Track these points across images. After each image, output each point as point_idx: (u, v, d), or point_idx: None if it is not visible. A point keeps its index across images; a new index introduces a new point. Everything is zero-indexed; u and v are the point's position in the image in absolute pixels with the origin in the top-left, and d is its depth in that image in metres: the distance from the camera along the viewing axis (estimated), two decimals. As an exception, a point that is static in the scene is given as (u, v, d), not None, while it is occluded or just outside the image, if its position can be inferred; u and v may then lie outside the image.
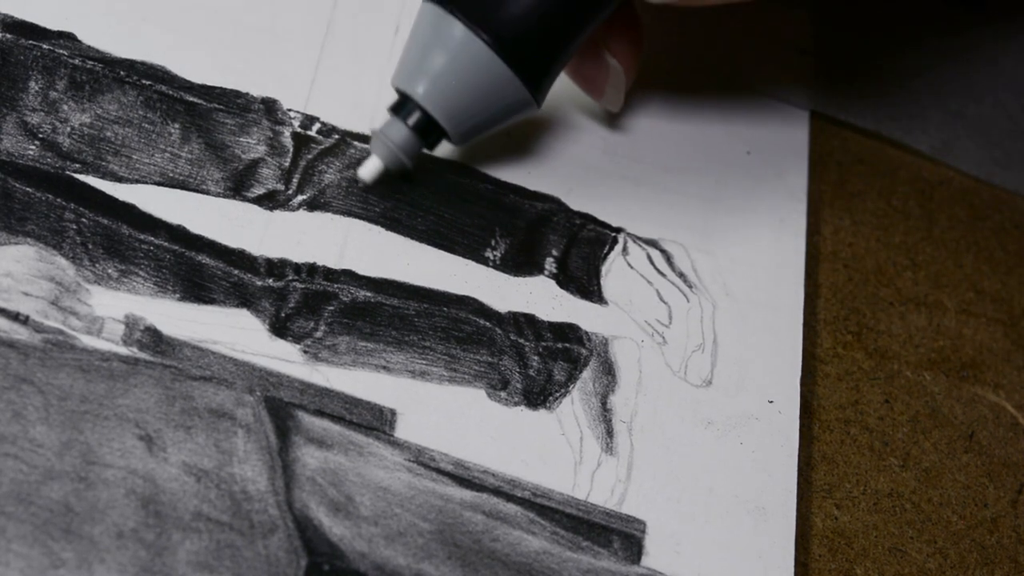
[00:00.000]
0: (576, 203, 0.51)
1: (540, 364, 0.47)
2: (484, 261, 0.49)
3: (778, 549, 0.46)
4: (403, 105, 0.47)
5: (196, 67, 0.49)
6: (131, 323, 0.44)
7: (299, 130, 0.49)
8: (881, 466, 0.49)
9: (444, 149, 0.50)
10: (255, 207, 0.48)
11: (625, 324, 0.49)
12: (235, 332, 0.45)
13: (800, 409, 0.49)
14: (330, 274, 0.47)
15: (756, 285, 0.51)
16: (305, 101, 0.50)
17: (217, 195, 0.47)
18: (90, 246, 0.45)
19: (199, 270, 0.46)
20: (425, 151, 0.48)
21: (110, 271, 0.45)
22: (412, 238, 0.48)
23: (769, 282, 0.51)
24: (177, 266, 0.46)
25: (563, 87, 0.52)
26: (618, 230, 0.51)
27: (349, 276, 0.47)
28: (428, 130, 0.47)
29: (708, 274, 0.50)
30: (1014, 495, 0.50)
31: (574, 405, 0.47)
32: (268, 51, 0.51)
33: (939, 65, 0.59)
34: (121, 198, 0.46)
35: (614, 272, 0.50)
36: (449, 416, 0.46)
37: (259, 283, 0.46)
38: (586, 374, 0.47)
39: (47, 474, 0.41)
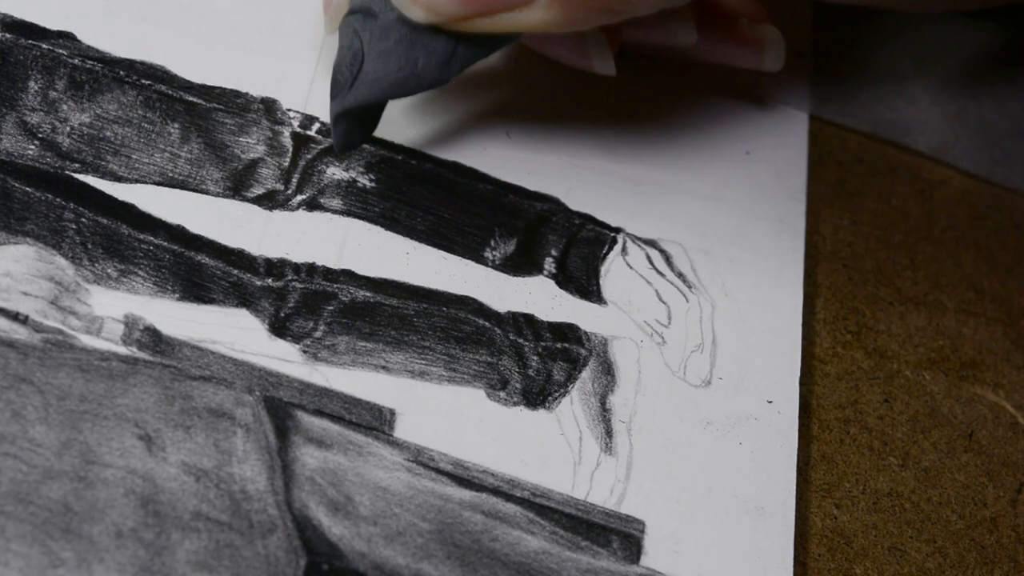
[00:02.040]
0: (575, 203, 0.51)
1: (539, 364, 0.47)
2: (483, 261, 0.49)
3: (777, 549, 0.46)
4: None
5: (196, 67, 0.49)
6: (130, 323, 0.44)
7: (298, 130, 0.49)
8: (880, 466, 0.49)
9: (444, 150, 0.50)
10: (254, 207, 0.48)
11: (624, 324, 0.49)
12: (234, 332, 0.45)
13: (799, 409, 0.49)
14: (329, 274, 0.47)
15: (755, 285, 0.51)
16: (305, 101, 0.50)
17: (216, 195, 0.47)
18: (89, 246, 0.45)
19: (198, 270, 0.46)
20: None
21: (109, 271, 0.45)
22: (411, 238, 0.48)
23: (768, 282, 0.51)
24: (176, 266, 0.46)
25: (563, 87, 0.52)
26: (617, 230, 0.51)
27: (348, 276, 0.47)
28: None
29: (707, 274, 0.50)
30: (1013, 495, 0.50)
31: (573, 405, 0.47)
32: (268, 51, 0.51)
33: (938, 65, 0.59)
34: (120, 198, 0.46)
35: (613, 272, 0.50)
36: (448, 416, 0.46)
37: (258, 283, 0.46)
38: (585, 374, 0.47)
39: (46, 474, 0.41)
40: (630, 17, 0.46)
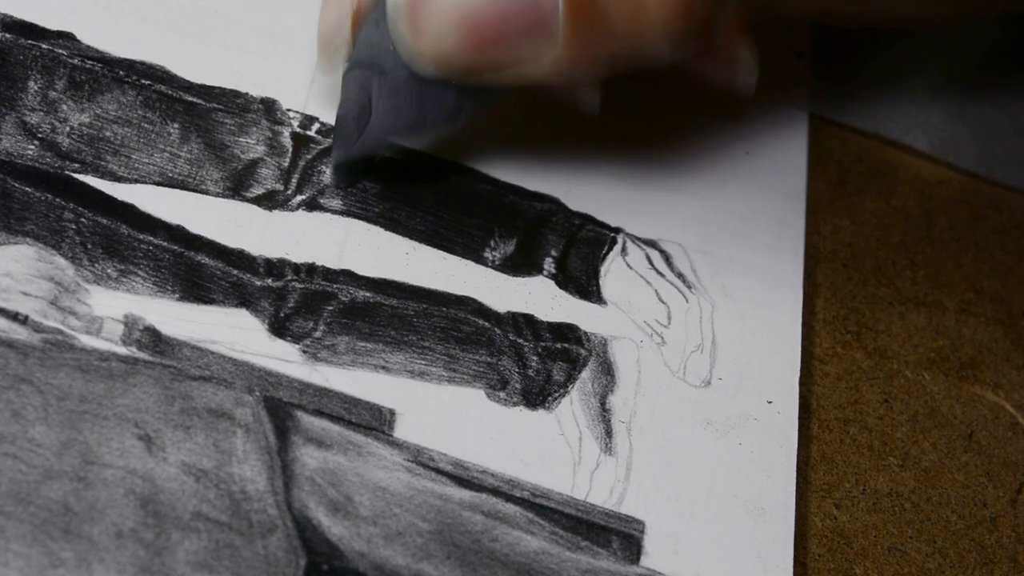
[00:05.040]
0: (575, 203, 0.51)
1: (539, 364, 0.47)
2: (483, 261, 0.49)
3: (777, 549, 0.46)
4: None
5: (196, 67, 0.49)
6: (130, 323, 0.44)
7: (298, 130, 0.49)
8: (880, 466, 0.49)
9: (444, 150, 0.50)
10: (254, 207, 0.48)
11: (624, 324, 0.49)
12: (234, 332, 0.45)
13: (799, 409, 0.49)
14: (329, 274, 0.47)
15: (755, 285, 0.51)
16: (304, 101, 0.50)
17: (216, 195, 0.47)
18: (89, 246, 0.45)
19: (198, 270, 0.46)
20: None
21: (109, 271, 0.45)
22: (411, 238, 0.48)
23: (768, 282, 0.51)
24: (176, 266, 0.46)
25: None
26: (617, 230, 0.51)
27: (348, 276, 0.47)
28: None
29: (707, 274, 0.50)
30: (1013, 495, 0.50)
31: (573, 405, 0.47)
32: (268, 51, 0.51)
33: (939, 64, 0.59)
34: (120, 198, 0.46)
35: (613, 272, 0.50)
36: (448, 416, 0.46)
37: (258, 283, 0.46)
38: (585, 374, 0.47)
39: (46, 474, 0.41)
40: (640, 66, 0.47)
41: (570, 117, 0.52)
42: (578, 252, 0.50)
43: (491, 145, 0.51)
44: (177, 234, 0.46)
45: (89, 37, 0.49)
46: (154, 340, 0.44)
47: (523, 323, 0.48)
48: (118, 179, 0.47)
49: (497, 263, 0.49)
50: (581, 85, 0.49)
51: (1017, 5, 0.55)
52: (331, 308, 0.46)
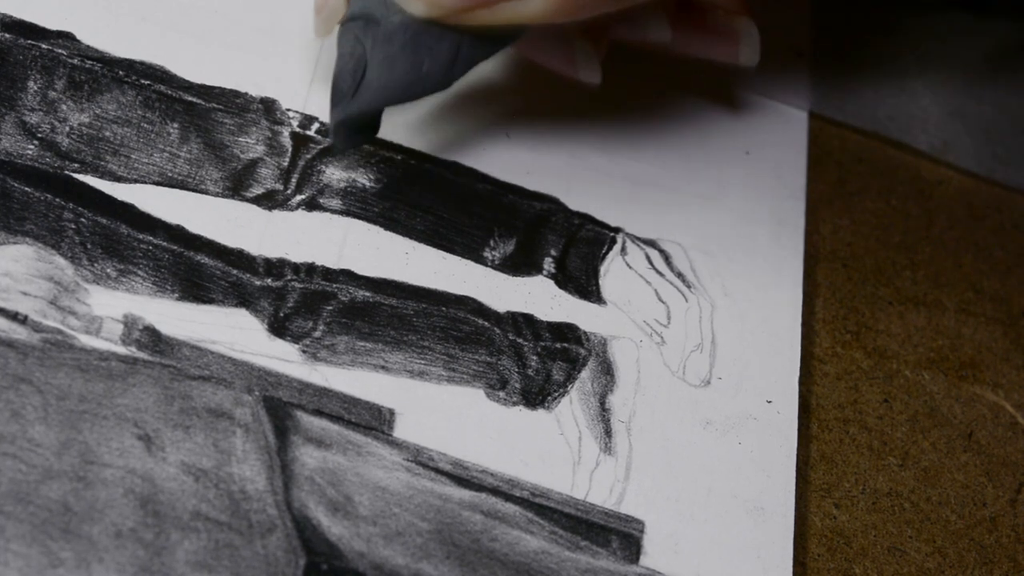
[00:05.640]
0: (575, 203, 0.51)
1: (539, 364, 0.47)
2: (483, 261, 0.49)
3: (777, 548, 0.46)
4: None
5: (195, 67, 0.49)
6: (130, 323, 0.44)
7: (298, 130, 0.49)
8: (880, 465, 0.49)
9: (444, 150, 0.50)
10: (254, 207, 0.48)
11: (624, 324, 0.49)
12: (234, 332, 0.45)
13: (799, 409, 0.49)
14: (329, 274, 0.47)
15: (755, 285, 0.51)
16: (304, 101, 0.50)
17: (216, 195, 0.47)
18: (89, 246, 0.45)
19: (198, 270, 0.46)
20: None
21: (109, 271, 0.45)
22: (411, 238, 0.48)
23: (768, 282, 0.51)
24: (176, 266, 0.46)
25: (563, 86, 0.52)
26: (616, 230, 0.51)
27: (348, 276, 0.47)
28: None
29: (707, 274, 0.50)
30: (1013, 494, 0.50)
31: (572, 405, 0.47)
32: (268, 51, 0.51)
33: (939, 63, 0.59)
34: (120, 198, 0.46)
35: (612, 272, 0.50)
36: (448, 416, 0.46)
37: (258, 283, 0.46)
38: (584, 374, 0.47)
39: (46, 473, 0.41)
40: (629, 4, 0.47)
41: (570, 116, 0.52)
42: (578, 252, 0.50)
43: (491, 145, 0.51)
44: (177, 234, 0.46)
45: (89, 37, 0.49)
46: (154, 340, 0.44)
47: (523, 323, 0.48)
48: (118, 179, 0.47)
49: (497, 263, 0.49)
50: (565, 42, 0.49)
51: None
52: (331, 308, 0.46)
